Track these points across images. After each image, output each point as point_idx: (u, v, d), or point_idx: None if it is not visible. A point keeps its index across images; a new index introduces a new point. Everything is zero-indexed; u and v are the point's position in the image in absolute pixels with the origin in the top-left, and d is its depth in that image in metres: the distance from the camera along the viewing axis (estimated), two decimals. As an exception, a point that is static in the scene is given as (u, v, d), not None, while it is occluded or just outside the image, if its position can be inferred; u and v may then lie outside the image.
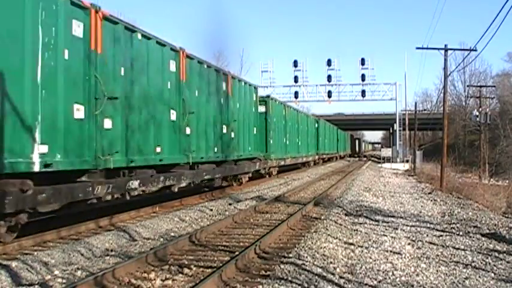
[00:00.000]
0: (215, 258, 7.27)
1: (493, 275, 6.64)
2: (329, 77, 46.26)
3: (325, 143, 41.84)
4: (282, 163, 24.47)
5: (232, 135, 15.75)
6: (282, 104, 25.56)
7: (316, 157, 37.39)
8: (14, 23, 7.04)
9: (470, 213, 12.83)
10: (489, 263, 7.25)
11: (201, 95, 13.28)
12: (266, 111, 21.50)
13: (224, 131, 14.94)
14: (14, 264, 6.43)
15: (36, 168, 7.09)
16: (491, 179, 36.27)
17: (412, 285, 6.04)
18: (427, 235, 9.33)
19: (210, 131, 13.84)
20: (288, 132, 25.98)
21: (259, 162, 19.28)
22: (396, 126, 48.96)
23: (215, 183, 15.35)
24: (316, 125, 37.74)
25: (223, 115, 14.90)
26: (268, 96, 22.62)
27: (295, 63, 46.75)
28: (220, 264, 6.69)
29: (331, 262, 6.90)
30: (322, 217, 10.81)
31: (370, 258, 7.29)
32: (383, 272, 6.53)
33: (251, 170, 18.38)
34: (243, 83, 17.48)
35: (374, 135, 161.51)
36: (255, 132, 18.77)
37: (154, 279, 6.09)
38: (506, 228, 10.30)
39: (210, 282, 5.69)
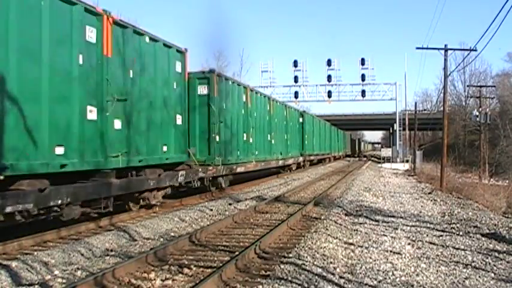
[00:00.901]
0: (215, 258, 7.27)
1: (493, 275, 6.64)
2: (329, 77, 46.26)
3: (313, 141, 34.91)
4: (241, 169, 17.41)
5: (117, 125, 9.55)
6: (240, 86, 18.00)
7: (301, 159, 30.85)
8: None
9: (470, 213, 12.83)
10: (489, 263, 7.25)
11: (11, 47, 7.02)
12: (209, 93, 14.73)
13: (91, 116, 8.75)
14: (14, 264, 6.43)
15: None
16: (491, 179, 36.26)
17: (412, 285, 6.04)
18: (427, 235, 9.33)
19: (44, 117, 7.63)
20: (254, 126, 19.08)
21: (189, 172, 12.87)
22: (396, 126, 48.97)
23: (64, 215, 8.44)
24: (301, 120, 31.18)
25: (89, 89, 8.69)
26: (212, 71, 15.20)
27: (295, 63, 46.75)
28: (220, 264, 6.70)
29: (331, 262, 6.90)
30: (322, 217, 10.81)
31: (370, 258, 7.30)
32: (383, 272, 6.53)
33: (165, 184, 11.60)
34: (146, 39, 10.72)
35: (374, 135, 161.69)
36: (179, 122, 12.41)
37: (154, 279, 6.10)
38: (506, 228, 10.30)
39: (210, 282, 5.69)
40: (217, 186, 15.73)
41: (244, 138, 17.96)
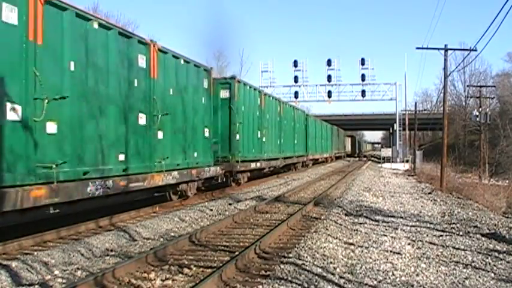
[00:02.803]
0: (215, 258, 7.27)
1: (493, 275, 6.64)
2: (329, 77, 46.30)
3: (259, 137, 20.03)
4: None
5: None
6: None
7: (213, 170, 14.62)
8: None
9: (470, 213, 12.83)
10: (489, 263, 7.25)
11: None
12: None
13: None
14: (14, 264, 6.43)
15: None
16: (491, 179, 36.26)
17: (412, 285, 6.04)
18: (427, 235, 9.33)
19: None
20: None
21: None
22: (396, 126, 49.00)
23: None
24: (226, 94, 17.00)
25: None
26: None
27: (295, 63, 46.79)
28: (220, 264, 6.70)
29: (331, 262, 6.90)
30: (322, 217, 10.81)
31: (370, 258, 7.30)
32: (383, 272, 6.53)
33: None
34: None
35: (374, 135, 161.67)
36: None
37: (154, 279, 6.09)
38: (506, 228, 10.30)
39: (210, 282, 5.69)
40: None
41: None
